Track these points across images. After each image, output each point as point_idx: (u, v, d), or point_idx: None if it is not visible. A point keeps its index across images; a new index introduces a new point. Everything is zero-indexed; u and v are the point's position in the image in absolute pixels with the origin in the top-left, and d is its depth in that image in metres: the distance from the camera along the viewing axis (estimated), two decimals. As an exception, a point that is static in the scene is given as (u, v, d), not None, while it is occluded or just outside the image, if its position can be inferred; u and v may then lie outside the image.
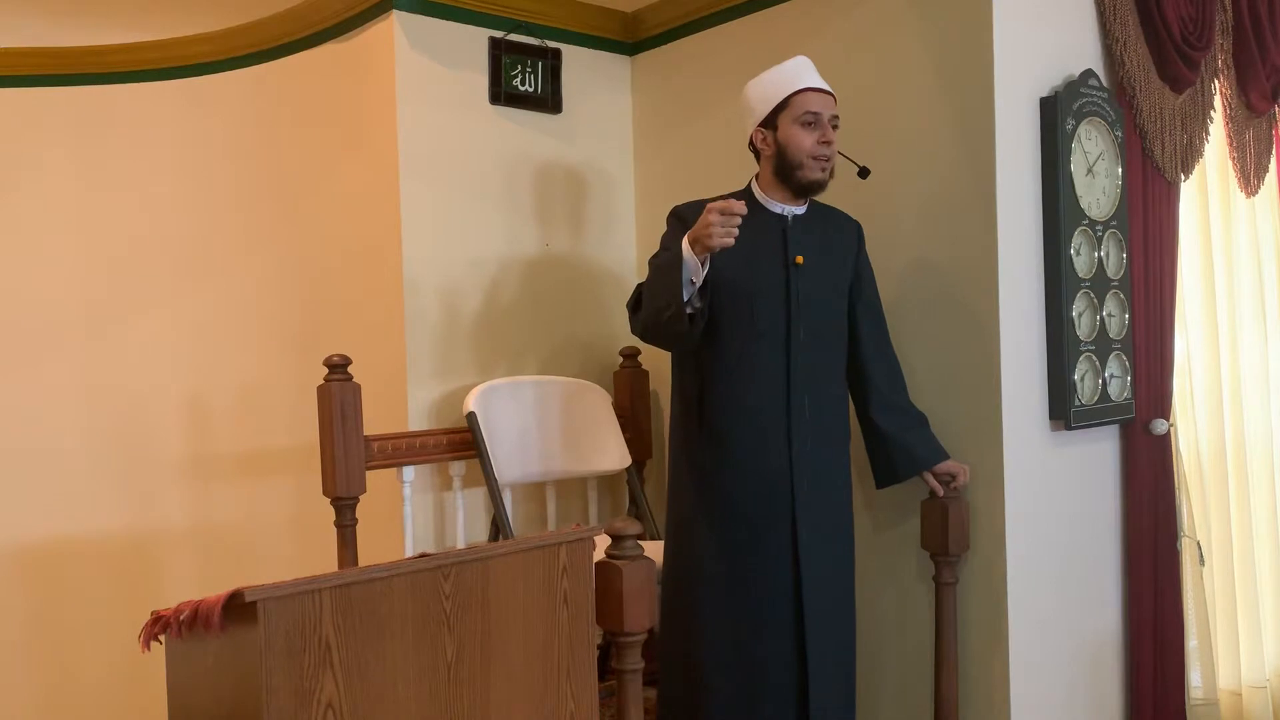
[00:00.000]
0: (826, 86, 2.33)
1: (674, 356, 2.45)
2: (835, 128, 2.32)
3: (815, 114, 2.29)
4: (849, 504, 2.44)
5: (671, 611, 2.38)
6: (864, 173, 2.39)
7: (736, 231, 2.08)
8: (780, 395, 2.30)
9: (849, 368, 2.47)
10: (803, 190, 2.34)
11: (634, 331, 2.36)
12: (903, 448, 2.43)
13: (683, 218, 2.34)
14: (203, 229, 3.45)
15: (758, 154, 2.40)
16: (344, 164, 3.14)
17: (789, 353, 2.31)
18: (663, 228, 2.42)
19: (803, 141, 2.29)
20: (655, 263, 2.27)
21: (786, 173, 2.32)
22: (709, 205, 2.09)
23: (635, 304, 2.33)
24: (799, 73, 2.33)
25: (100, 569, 3.47)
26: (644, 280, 2.32)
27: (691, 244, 2.12)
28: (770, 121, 2.32)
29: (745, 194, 2.40)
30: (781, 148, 2.31)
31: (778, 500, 2.30)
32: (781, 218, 2.35)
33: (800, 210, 2.38)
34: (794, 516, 2.30)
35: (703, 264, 2.13)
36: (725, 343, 2.32)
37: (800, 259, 2.32)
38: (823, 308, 2.37)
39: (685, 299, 2.14)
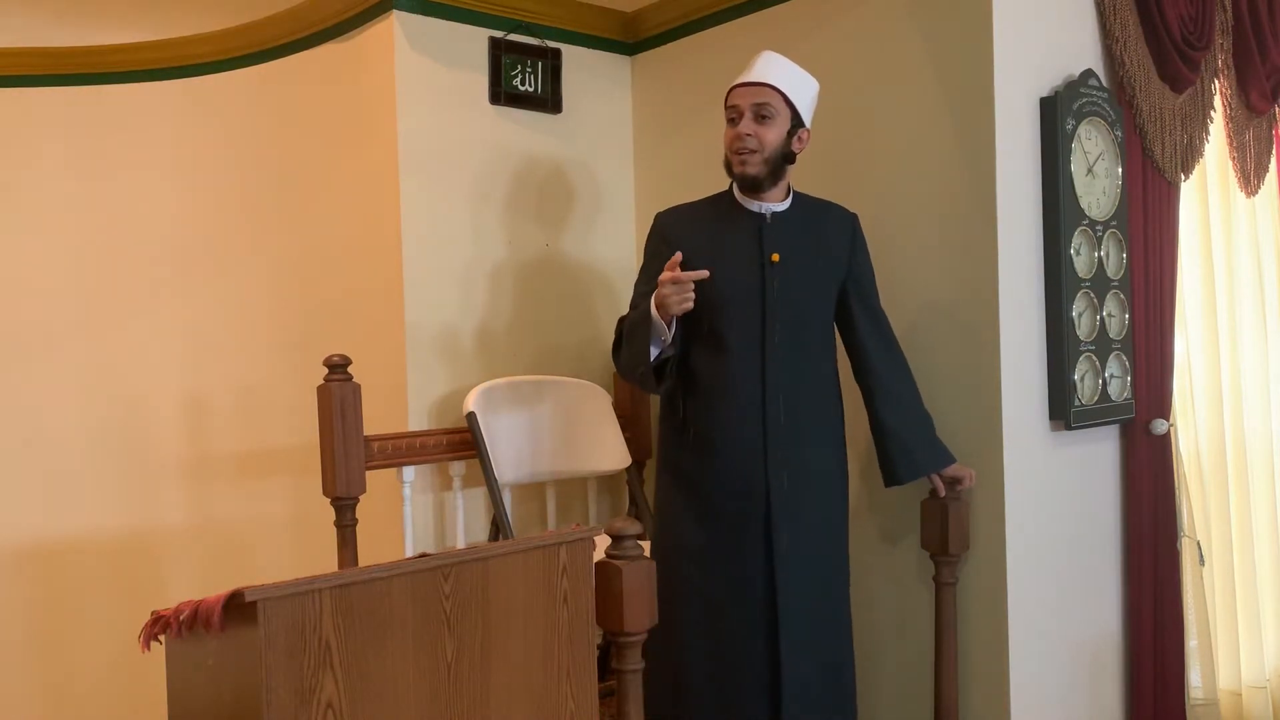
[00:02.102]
0: (760, 78, 2.31)
1: None
2: (765, 116, 2.29)
3: (734, 107, 2.32)
4: (840, 505, 2.43)
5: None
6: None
7: (693, 295, 2.17)
8: (755, 396, 2.30)
9: (854, 368, 2.47)
10: (740, 186, 2.36)
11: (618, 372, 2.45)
12: (904, 450, 2.41)
13: (661, 230, 2.41)
14: (202, 229, 3.45)
15: None
16: (344, 164, 3.14)
17: (764, 353, 2.30)
18: None
19: (727, 139, 2.33)
20: (628, 317, 2.35)
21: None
22: (660, 278, 2.17)
23: (616, 346, 2.40)
24: (744, 72, 2.36)
25: (100, 569, 3.47)
26: (623, 317, 2.39)
27: (658, 307, 2.19)
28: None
29: (725, 194, 2.41)
30: None
31: (753, 501, 2.29)
32: (759, 216, 2.34)
33: (781, 207, 2.37)
34: (769, 518, 2.28)
35: (669, 324, 2.21)
36: (701, 347, 2.33)
37: (776, 256, 2.31)
38: (803, 307, 2.35)
39: (654, 357, 2.26)
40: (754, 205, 2.35)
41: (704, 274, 2.18)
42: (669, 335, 2.23)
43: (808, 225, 2.39)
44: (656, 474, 2.49)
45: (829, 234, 2.41)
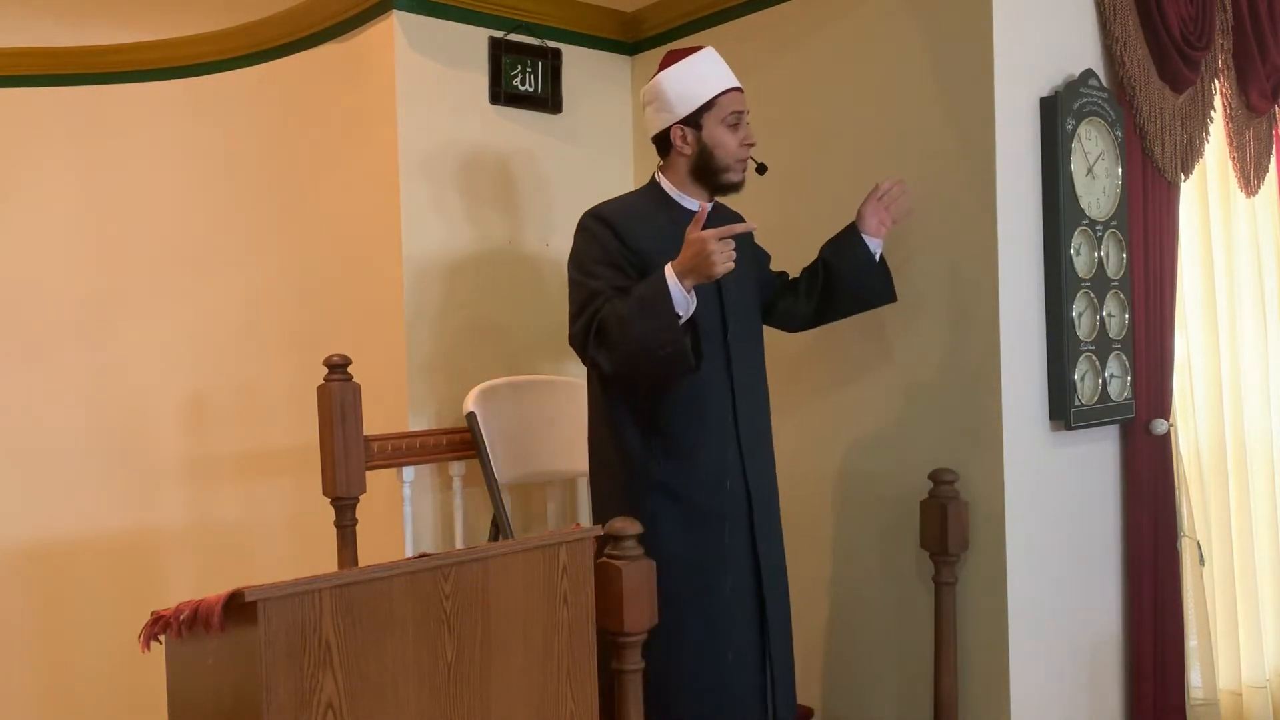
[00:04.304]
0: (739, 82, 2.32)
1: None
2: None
3: (739, 114, 2.28)
4: (777, 490, 2.44)
5: None
6: (761, 169, 2.37)
7: (734, 254, 2.06)
8: (725, 390, 2.28)
9: (789, 312, 2.54)
10: (722, 191, 2.32)
11: (602, 366, 2.17)
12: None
13: (609, 224, 2.25)
14: (203, 229, 3.45)
15: (666, 149, 2.33)
16: (344, 164, 3.14)
17: (728, 348, 2.29)
18: None
19: (729, 144, 2.27)
20: (621, 300, 2.14)
21: (708, 174, 2.28)
22: (698, 235, 2.03)
23: (598, 336, 2.15)
24: (719, 71, 2.29)
25: (100, 569, 3.47)
26: (585, 311, 2.18)
27: (681, 276, 2.06)
28: (693, 120, 2.26)
29: (653, 190, 2.35)
30: (707, 149, 2.26)
31: (735, 496, 2.28)
32: (695, 214, 2.25)
33: (709, 205, 2.30)
34: (752, 518, 2.29)
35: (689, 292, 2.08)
36: None
37: None
38: (747, 302, 2.37)
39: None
40: (689, 202, 2.30)
41: (753, 225, 2.15)
42: (691, 309, 2.07)
43: (726, 223, 2.30)
44: (605, 485, 2.34)
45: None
